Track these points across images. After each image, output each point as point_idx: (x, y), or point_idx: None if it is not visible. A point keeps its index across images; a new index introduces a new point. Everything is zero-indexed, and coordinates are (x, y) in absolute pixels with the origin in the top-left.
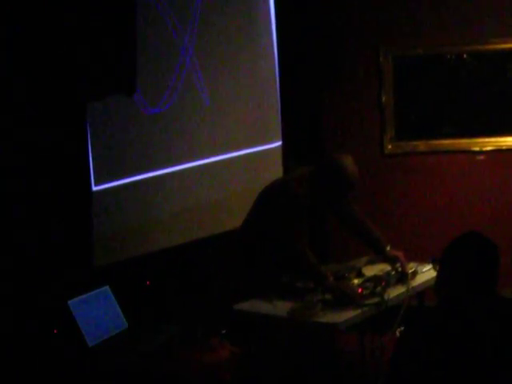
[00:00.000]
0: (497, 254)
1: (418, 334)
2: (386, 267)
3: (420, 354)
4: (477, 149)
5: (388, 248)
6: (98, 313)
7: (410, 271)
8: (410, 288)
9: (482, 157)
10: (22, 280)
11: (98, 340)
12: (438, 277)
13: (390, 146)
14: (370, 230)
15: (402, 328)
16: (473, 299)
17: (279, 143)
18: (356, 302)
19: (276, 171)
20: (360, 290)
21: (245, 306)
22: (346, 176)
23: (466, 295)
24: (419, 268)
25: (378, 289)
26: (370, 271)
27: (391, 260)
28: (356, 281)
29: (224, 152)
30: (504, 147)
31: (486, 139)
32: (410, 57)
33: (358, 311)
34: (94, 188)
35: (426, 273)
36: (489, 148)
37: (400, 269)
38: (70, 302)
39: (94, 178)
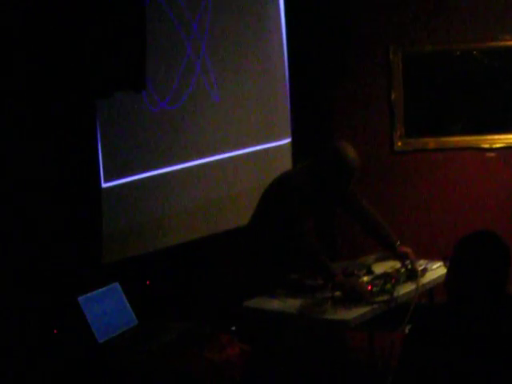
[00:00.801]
0: (509, 254)
1: (426, 332)
2: (396, 264)
3: (428, 352)
4: (487, 146)
5: (398, 244)
6: (108, 309)
7: (420, 268)
8: (419, 285)
9: (492, 154)
10: (31, 277)
11: (108, 336)
12: (448, 274)
13: (399, 143)
14: (381, 226)
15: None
16: (483, 298)
17: (288, 140)
18: (365, 299)
19: (285, 168)
20: (369, 288)
21: (254, 303)
22: (345, 161)
23: (476, 293)
24: (429, 265)
25: (388, 286)
26: (380, 268)
27: (401, 257)
28: (365, 278)
29: (233, 149)
30: None
31: (496, 136)
32: (420, 54)
33: (368, 308)
34: (104, 185)
35: (436, 270)
36: (499, 145)
37: (410, 266)
38: (79, 298)
39: (104, 175)
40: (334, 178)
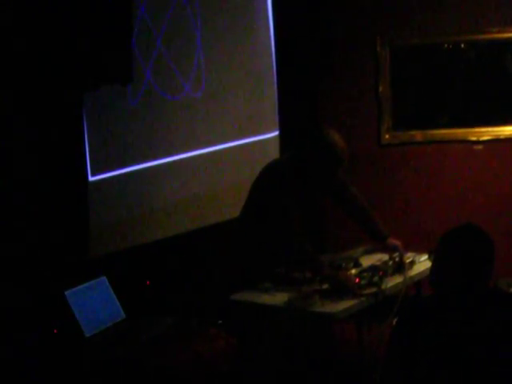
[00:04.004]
0: (491, 246)
1: (413, 324)
2: (384, 257)
3: (415, 344)
4: (474, 139)
5: (387, 236)
6: (95, 303)
7: (408, 261)
8: (407, 278)
9: (479, 147)
10: (18, 270)
11: (95, 330)
12: (432, 267)
13: (386, 136)
14: (371, 217)
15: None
16: (467, 291)
17: (276, 133)
18: (353, 292)
19: None
20: (357, 280)
21: (242, 296)
22: (331, 147)
23: (460, 287)
24: (417, 258)
25: (376, 279)
26: (368, 261)
27: (390, 249)
28: (353, 271)
29: (221, 142)
30: (501, 137)
31: (483, 129)
32: (407, 46)
33: (356, 301)
34: (91, 178)
35: (424, 262)
36: (486, 138)
37: (398, 258)
38: (66, 292)
39: (91, 169)
40: (321, 164)
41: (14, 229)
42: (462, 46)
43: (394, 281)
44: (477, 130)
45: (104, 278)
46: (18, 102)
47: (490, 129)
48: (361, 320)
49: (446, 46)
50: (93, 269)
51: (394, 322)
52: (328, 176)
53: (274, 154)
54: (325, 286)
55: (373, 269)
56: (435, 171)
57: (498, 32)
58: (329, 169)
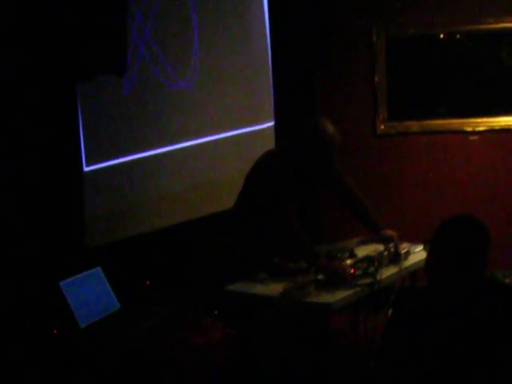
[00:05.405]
0: (487, 236)
1: (408, 315)
2: (379, 247)
3: (408, 335)
4: (470, 129)
5: (382, 227)
6: (90, 294)
7: (403, 251)
8: (402, 268)
9: (474, 137)
10: (12, 261)
11: (90, 321)
12: (428, 257)
13: (382, 127)
14: (366, 208)
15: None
16: (462, 281)
17: (272, 124)
18: (348, 282)
19: None
20: (352, 271)
21: (237, 286)
22: (323, 134)
23: (456, 277)
24: (412, 248)
25: (371, 269)
26: (363, 251)
27: (385, 240)
28: (349, 261)
29: (216, 132)
30: (497, 127)
31: (479, 119)
32: (403, 37)
33: (351, 291)
34: (86, 168)
35: (419, 253)
36: (481, 128)
37: (393, 249)
38: (61, 283)
39: (86, 159)
40: (314, 153)
41: (9, 220)
42: (458, 36)
43: (389, 271)
44: (472, 120)
45: (99, 269)
46: (12, 94)
47: (485, 119)
48: (356, 310)
49: (441, 36)
50: (88, 259)
51: (390, 313)
52: (321, 164)
53: (269, 144)
54: (320, 277)
55: (368, 259)
56: (431, 161)
57: (494, 22)
58: (320, 157)
